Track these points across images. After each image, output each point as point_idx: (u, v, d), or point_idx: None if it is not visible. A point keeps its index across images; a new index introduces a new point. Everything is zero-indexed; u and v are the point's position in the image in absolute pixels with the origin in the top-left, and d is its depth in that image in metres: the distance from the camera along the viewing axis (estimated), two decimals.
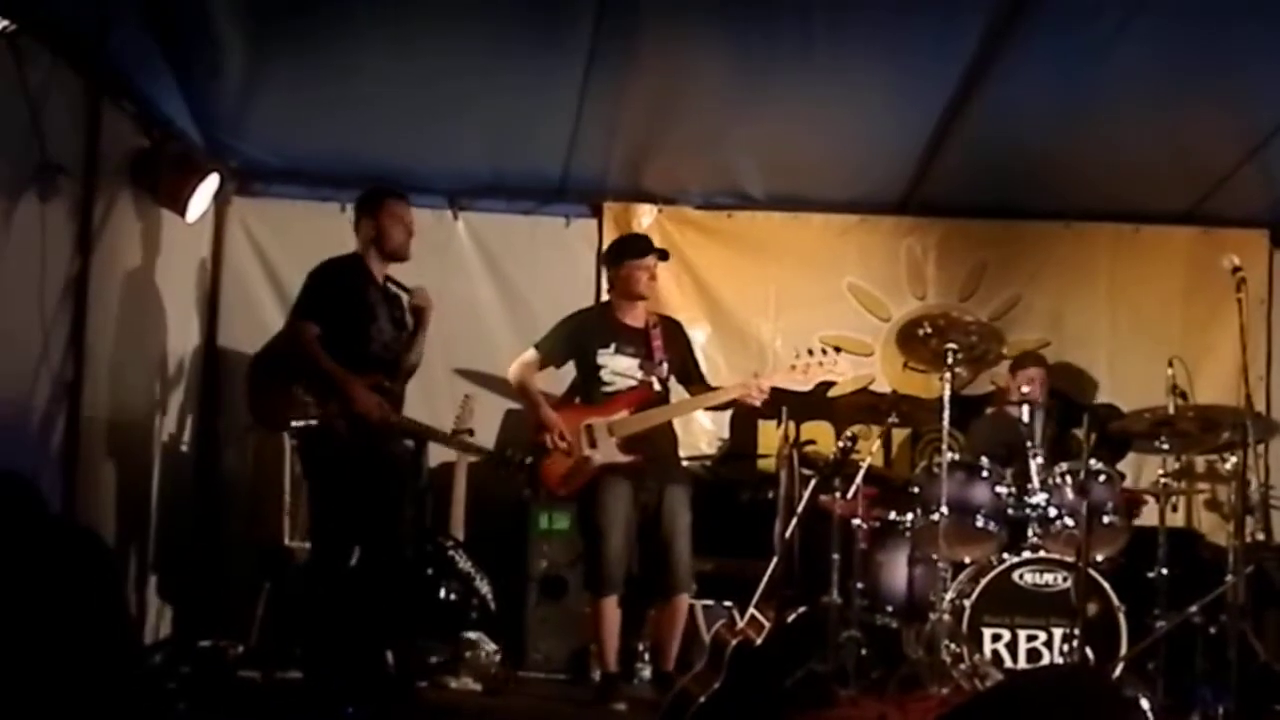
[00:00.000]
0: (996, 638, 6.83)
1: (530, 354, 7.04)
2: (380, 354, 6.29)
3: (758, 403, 6.85)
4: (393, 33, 6.76)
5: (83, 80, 6.29)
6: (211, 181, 7.39)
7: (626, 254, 7.02)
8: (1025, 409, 7.31)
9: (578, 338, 6.99)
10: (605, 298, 7.33)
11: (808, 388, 7.33)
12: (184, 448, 7.88)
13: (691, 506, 6.90)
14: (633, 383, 6.86)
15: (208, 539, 7.92)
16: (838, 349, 6.96)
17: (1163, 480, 6.95)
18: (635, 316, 6.97)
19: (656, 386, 6.88)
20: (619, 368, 6.87)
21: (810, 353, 6.87)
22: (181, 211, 7.22)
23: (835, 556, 7.01)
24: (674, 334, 7.10)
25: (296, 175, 8.14)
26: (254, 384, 6.49)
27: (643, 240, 7.18)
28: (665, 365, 6.90)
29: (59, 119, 6.08)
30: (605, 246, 7.63)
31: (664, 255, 7.09)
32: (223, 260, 8.23)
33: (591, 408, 6.87)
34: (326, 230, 7.61)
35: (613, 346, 6.89)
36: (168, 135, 7.15)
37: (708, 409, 7.19)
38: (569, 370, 7.11)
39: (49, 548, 4.79)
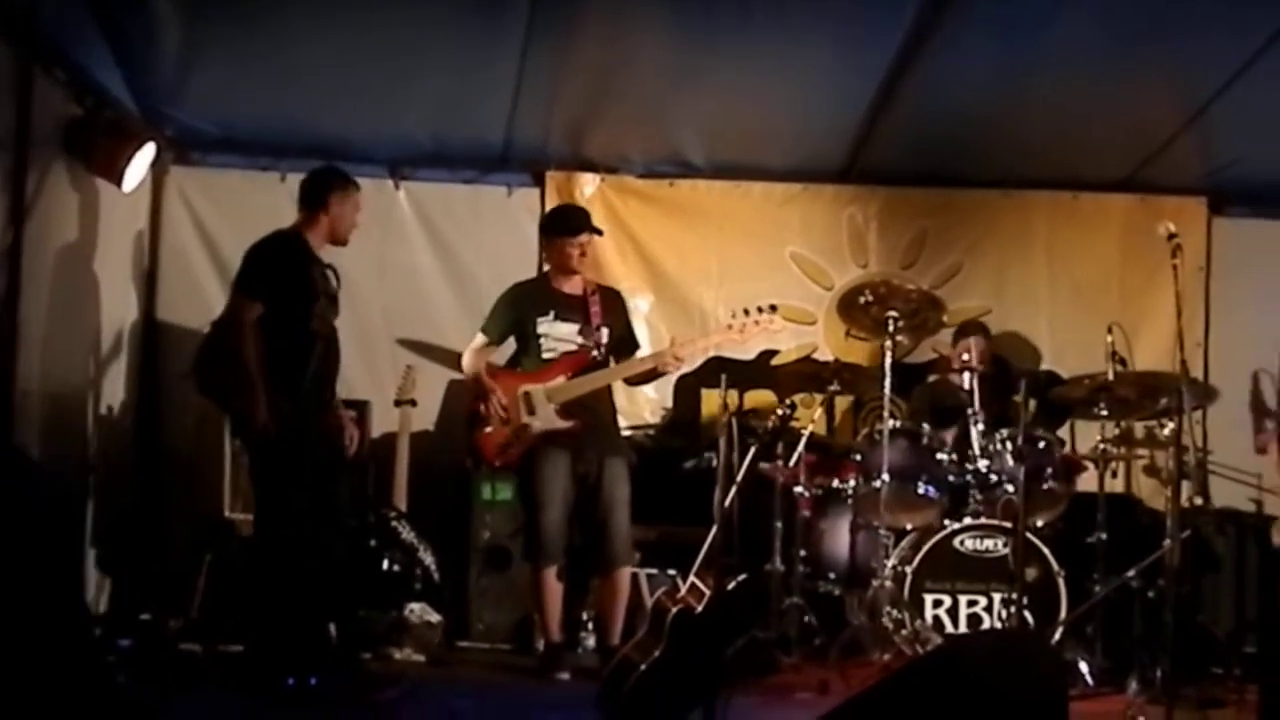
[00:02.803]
0: (938, 603, 6.88)
1: (479, 339, 7.07)
2: (317, 329, 6.25)
3: (674, 371, 6.95)
4: (332, 1, 6.71)
5: (12, 49, 6.18)
6: (148, 151, 7.30)
7: (558, 230, 7.02)
8: (966, 376, 7.35)
9: (516, 308, 6.99)
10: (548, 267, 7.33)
11: (748, 353, 7.38)
12: (123, 420, 7.81)
13: (632, 477, 6.91)
14: (572, 348, 6.87)
15: (148, 512, 7.85)
16: (773, 307, 6.99)
17: (1102, 446, 7.01)
18: (573, 285, 6.97)
19: (595, 352, 6.87)
20: (559, 334, 6.88)
21: (746, 312, 6.91)
22: (117, 181, 7.13)
23: (778, 524, 7.04)
24: (612, 302, 7.10)
25: (235, 144, 8.04)
26: (205, 354, 6.48)
27: (575, 217, 7.14)
28: (605, 331, 6.90)
29: None
30: (543, 216, 7.57)
31: (598, 231, 7.09)
32: (160, 231, 8.13)
33: (529, 375, 6.88)
34: (266, 200, 7.58)
35: (552, 314, 6.89)
36: (102, 104, 7.05)
37: (636, 378, 7.12)
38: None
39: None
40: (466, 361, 7.05)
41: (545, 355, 6.88)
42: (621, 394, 7.41)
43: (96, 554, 7.40)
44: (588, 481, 6.81)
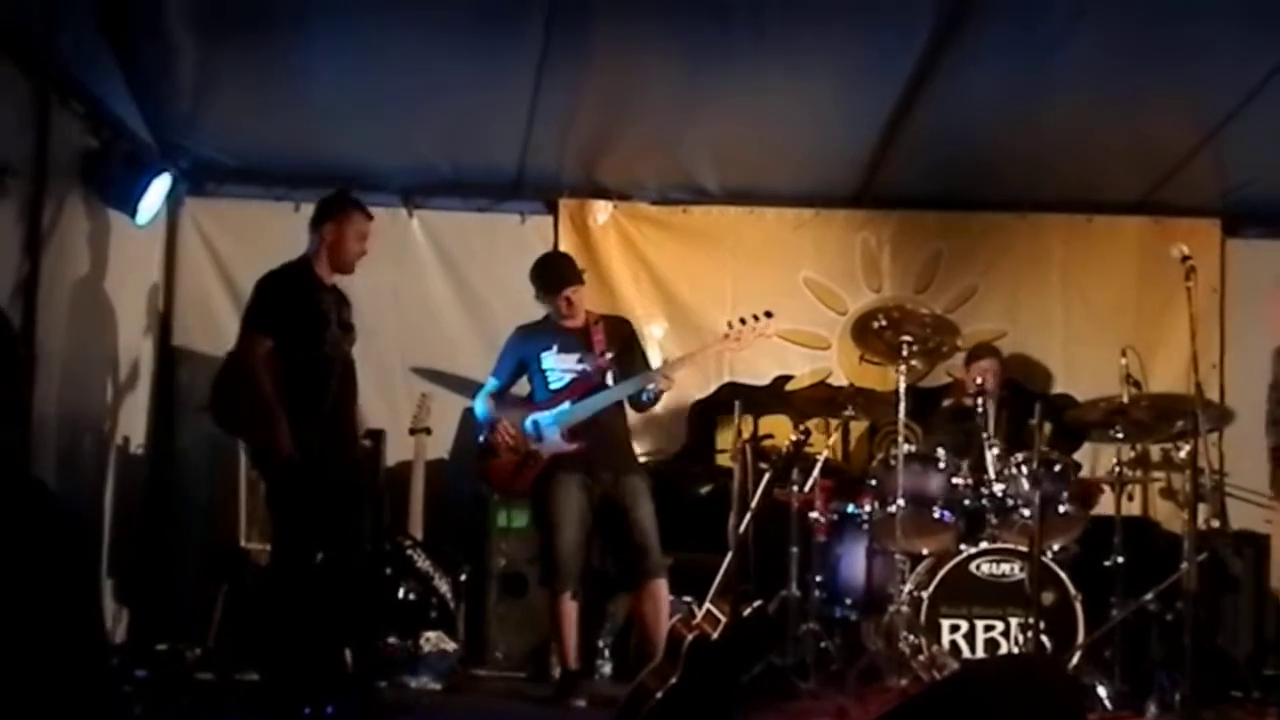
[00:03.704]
0: (955, 628, 6.85)
1: (491, 383, 7.11)
2: (331, 355, 6.28)
3: (665, 389, 6.91)
4: (346, 31, 6.74)
5: (31, 81, 6.23)
6: (163, 182, 7.35)
7: (540, 288, 7.06)
8: (981, 400, 7.35)
9: (521, 348, 7.07)
10: None
11: (758, 376, 7.36)
12: (139, 450, 7.83)
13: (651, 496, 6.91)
14: (576, 374, 6.91)
15: (164, 541, 7.88)
16: (769, 313, 6.99)
17: (1118, 469, 6.99)
18: (575, 320, 7.03)
19: (598, 378, 6.90)
20: (564, 365, 6.95)
21: (743, 321, 6.93)
22: (132, 213, 7.17)
23: (794, 550, 7.02)
24: (617, 329, 7.15)
25: (250, 175, 8.08)
26: (220, 386, 6.49)
27: (555, 274, 7.10)
28: (609, 356, 6.92)
29: (7, 120, 6.05)
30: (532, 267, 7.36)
31: (579, 280, 7.11)
32: (176, 261, 8.16)
33: (538, 404, 6.95)
34: (281, 230, 7.56)
35: (555, 347, 6.96)
36: (118, 136, 7.09)
37: (640, 401, 7.12)
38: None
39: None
40: (478, 407, 7.10)
41: (553, 386, 6.94)
42: (637, 421, 7.42)
43: (112, 584, 7.41)
44: (607, 502, 6.84)
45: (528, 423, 6.88)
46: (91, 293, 7.14)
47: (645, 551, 6.81)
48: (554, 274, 7.11)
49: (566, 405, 6.86)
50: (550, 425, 6.85)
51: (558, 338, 6.97)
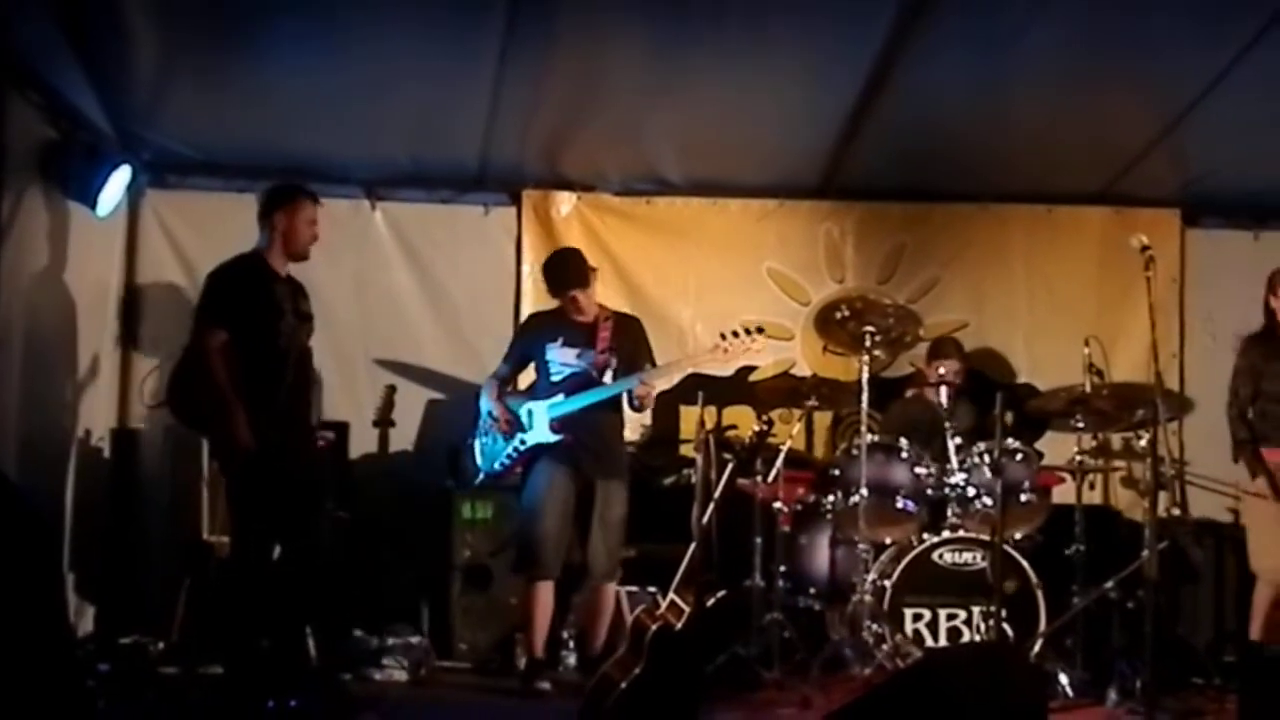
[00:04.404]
0: (918, 617, 6.91)
1: (501, 368, 7.16)
2: (286, 346, 6.26)
3: (642, 394, 6.87)
4: (307, 22, 6.71)
5: None
6: (123, 174, 7.30)
7: (550, 285, 7.09)
8: (943, 390, 7.38)
9: (530, 337, 7.13)
10: (525, 285, 7.69)
11: (728, 370, 7.39)
12: (101, 442, 7.78)
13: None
14: (574, 369, 6.93)
15: (127, 534, 7.83)
16: (760, 329, 6.98)
17: (1079, 458, 7.04)
18: (585, 315, 7.03)
19: (595, 374, 6.91)
20: (564, 359, 6.97)
21: (735, 335, 6.91)
22: (93, 205, 7.13)
23: (757, 540, 7.04)
24: (626, 328, 7.12)
25: (212, 167, 8.03)
26: (177, 380, 6.46)
27: (563, 274, 7.07)
28: (610, 354, 6.93)
29: None
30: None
31: (585, 284, 7.03)
32: (137, 254, 8.11)
33: (538, 395, 6.99)
34: (243, 222, 7.43)
35: (560, 340, 6.98)
36: (77, 127, 7.04)
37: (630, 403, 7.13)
38: None
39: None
40: (482, 397, 7.12)
41: (553, 378, 6.97)
42: None
43: (75, 578, 7.37)
44: (584, 499, 6.87)
45: (522, 411, 6.95)
46: (52, 285, 7.10)
47: (594, 555, 6.87)
48: (560, 275, 7.10)
49: (560, 397, 6.89)
50: (541, 415, 6.88)
51: (564, 331, 6.99)
